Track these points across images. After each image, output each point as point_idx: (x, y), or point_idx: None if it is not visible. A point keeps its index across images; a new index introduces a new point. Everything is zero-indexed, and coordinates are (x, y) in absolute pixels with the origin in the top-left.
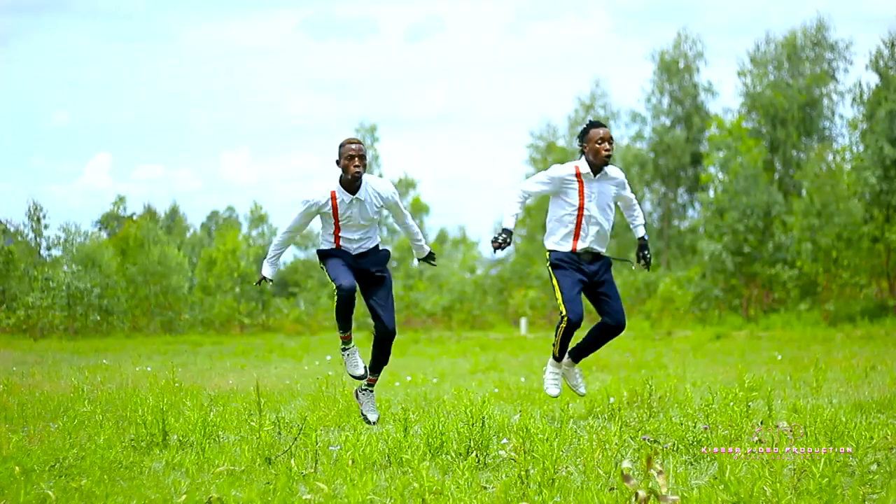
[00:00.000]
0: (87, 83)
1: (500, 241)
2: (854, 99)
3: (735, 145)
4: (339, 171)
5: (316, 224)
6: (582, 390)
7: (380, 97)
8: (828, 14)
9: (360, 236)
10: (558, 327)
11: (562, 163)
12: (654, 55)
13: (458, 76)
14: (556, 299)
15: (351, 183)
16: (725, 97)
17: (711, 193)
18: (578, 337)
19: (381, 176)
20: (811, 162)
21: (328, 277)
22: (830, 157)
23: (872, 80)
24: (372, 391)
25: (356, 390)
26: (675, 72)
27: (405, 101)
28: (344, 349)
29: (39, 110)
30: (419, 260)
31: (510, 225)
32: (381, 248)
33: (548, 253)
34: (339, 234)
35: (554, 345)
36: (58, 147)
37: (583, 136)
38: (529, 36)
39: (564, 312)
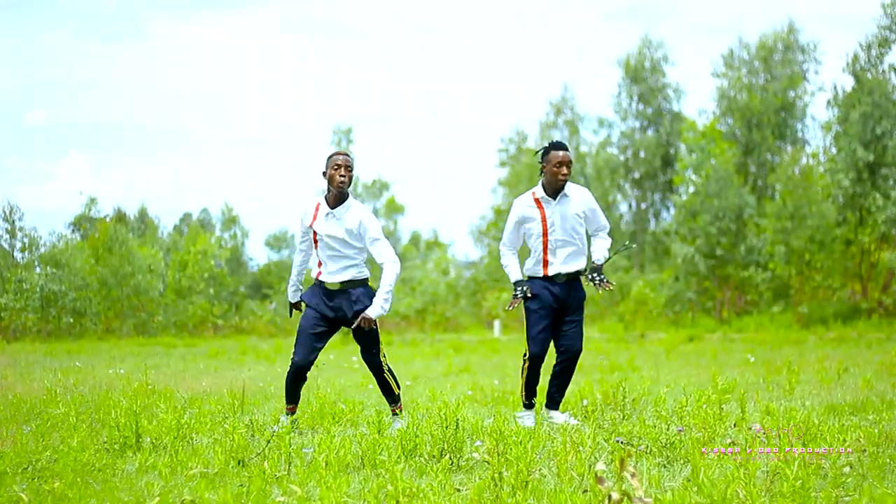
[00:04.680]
0: (62, 82)
1: (521, 293)
2: (828, 101)
3: (708, 148)
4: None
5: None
6: (573, 421)
7: (355, 98)
8: (797, 16)
9: (333, 260)
10: (522, 367)
11: (533, 165)
12: (619, 60)
13: (434, 77)
14: (523, 332)
15: (335, 197)
16: (700, 98)
17: (684, 196)
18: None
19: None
20: (784, 165)
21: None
22: (804, 160)
23: (846, 81)
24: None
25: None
26: (642, 76)
27: (381, 103)
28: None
29: (14, 110)
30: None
31: (519, 275)
32: (367, 285)
33: (528, 276)
34: (318, 253)
35: (521, 391)
36: (32, 147)
37: (543, 155)
38: (506, 38)
39: (526, 347)
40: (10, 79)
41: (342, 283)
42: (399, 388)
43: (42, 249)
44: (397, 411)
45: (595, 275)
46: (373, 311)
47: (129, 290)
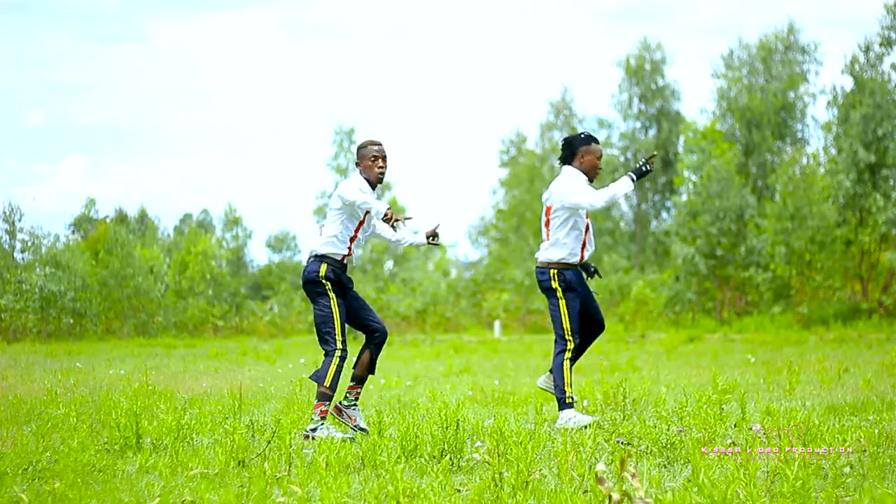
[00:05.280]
0: (60, 83)
1: (644, 161)
2: (828, 102)
3: (709, 148)
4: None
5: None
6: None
7: (353, 99)
8: (798, 17)
9: (363, 243)
10: (562, 361)
11: (533, 166)
12: (620, 62)
13: (432, 78)
14: (563, 323)
15: (374, 186)
16: (700, 99)
17: (685, 196)
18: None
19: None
20: (785, 165)
21: (331, 325)
22: (804, 161)
23: (846, 82)
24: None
25: (337, 406)
26: (642, 76)
27: (379, 103)
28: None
29: (12, 110)
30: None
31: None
32: None
33: (555, 267)
34: (356, 237)
35: (564, 389)
36: (31, 148)
37: (586, 143)
38: (505, 38)
39: (570, 338)
40: (10, 79)
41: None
42: None
43: (43, 250)
44: (357, 398)
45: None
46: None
47: (129, 291)
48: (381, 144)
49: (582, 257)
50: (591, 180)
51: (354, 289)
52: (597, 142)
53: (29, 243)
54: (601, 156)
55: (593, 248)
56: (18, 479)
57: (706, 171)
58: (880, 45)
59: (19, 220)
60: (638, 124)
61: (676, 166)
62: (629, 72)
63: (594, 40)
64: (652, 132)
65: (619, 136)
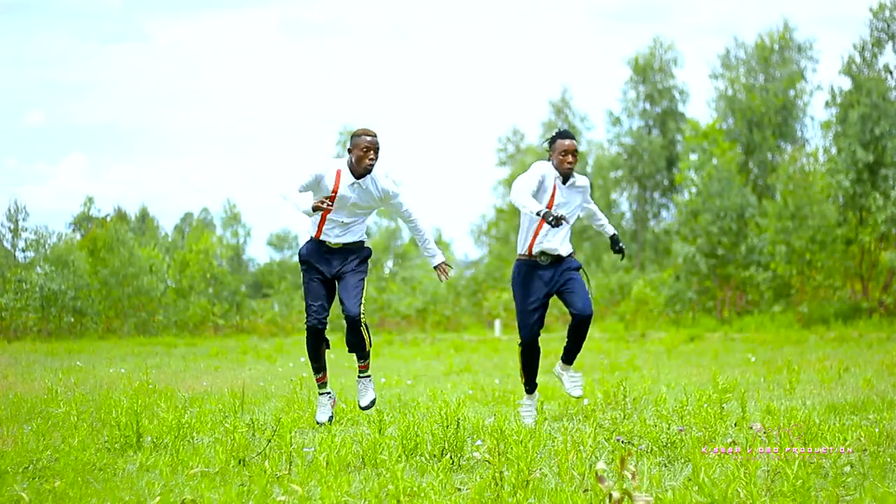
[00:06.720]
0: (61, 83)
1: (553, 218)
2: (827, 102)
3: (710, 148)
4: (347, 158)
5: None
6: (576, 392)
7: (353, 99)
8: (795, 16)
9: (347, 223)
10: (519, 352)
11: (530, 163)
12: (629, 61)
13: (432, 78)
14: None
15: (360, 172)
16: (700, 99)
17: (686, 196)
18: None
19: None
20: (785, 164)
21: (305, 299)
22: (804, 160)
23: (843, 82)
24: (367, 377)
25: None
26: (650, 76)
27: (379, 103)
28: (320, 393)
29: (13, 110)
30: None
31: (538, 206)
32: (364, 246)
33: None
34: (327, 217)
35: (520, 375)
36: (31, 148)
37: (551, 143)
38: (505, 38)
39: (518, 333)
40: (10, 79)
41: (345, 244)
42: (371, 345)
43: (46, 249)
44: (364, 371)
45: (619, 245)
46: (442, 257)
47: (129, 290)
48: (374, 136)
49: (529, 252)
50: (563, 178)
51: (354, 272)
52: (564, 136)
53: (35, 241)
54: (566, 150)
55: (549, 244)
56: (19, 477)
57: (707, 171)
58: (873, 45)
59: (24, 220)
60: (642, 123)
61: (680, 166)
62: (637, 70)
63: (594, 40)
64: (655, 132)
65: (623, 135)
